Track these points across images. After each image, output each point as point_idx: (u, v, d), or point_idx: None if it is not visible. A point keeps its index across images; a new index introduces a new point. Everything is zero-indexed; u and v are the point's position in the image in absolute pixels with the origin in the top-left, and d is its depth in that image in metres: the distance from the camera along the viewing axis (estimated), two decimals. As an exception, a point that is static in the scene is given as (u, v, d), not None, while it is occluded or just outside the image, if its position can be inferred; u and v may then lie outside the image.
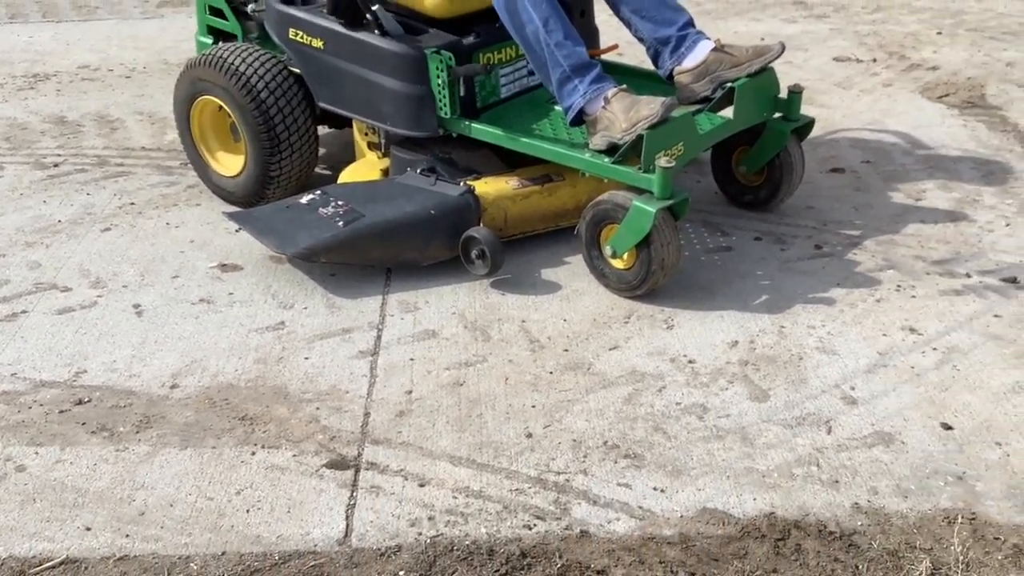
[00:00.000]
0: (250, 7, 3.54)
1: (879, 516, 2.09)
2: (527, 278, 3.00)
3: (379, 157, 3.34)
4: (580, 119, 2.93)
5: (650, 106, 2.77)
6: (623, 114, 2.81)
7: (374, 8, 3.07)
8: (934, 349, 2.62)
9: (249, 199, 3.36)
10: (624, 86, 2.90)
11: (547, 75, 2.95)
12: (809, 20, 5.35)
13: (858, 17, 5.38)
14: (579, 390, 2.51)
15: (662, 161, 2.71)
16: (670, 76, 3.15)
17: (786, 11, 5.53)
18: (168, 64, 4.88)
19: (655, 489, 2.18)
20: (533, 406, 2.45)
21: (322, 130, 3.57)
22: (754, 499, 2.14)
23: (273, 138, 3.23)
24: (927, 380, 2.50)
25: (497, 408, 2.45)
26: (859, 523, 2.07)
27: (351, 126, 3.49)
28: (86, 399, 2.50)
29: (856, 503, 2.12)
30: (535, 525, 2.09)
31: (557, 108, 3.19)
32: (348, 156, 3.54)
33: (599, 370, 2.58)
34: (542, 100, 3.28)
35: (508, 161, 3.22)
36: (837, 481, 2.19)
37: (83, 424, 2.40)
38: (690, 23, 3.14)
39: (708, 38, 3.11)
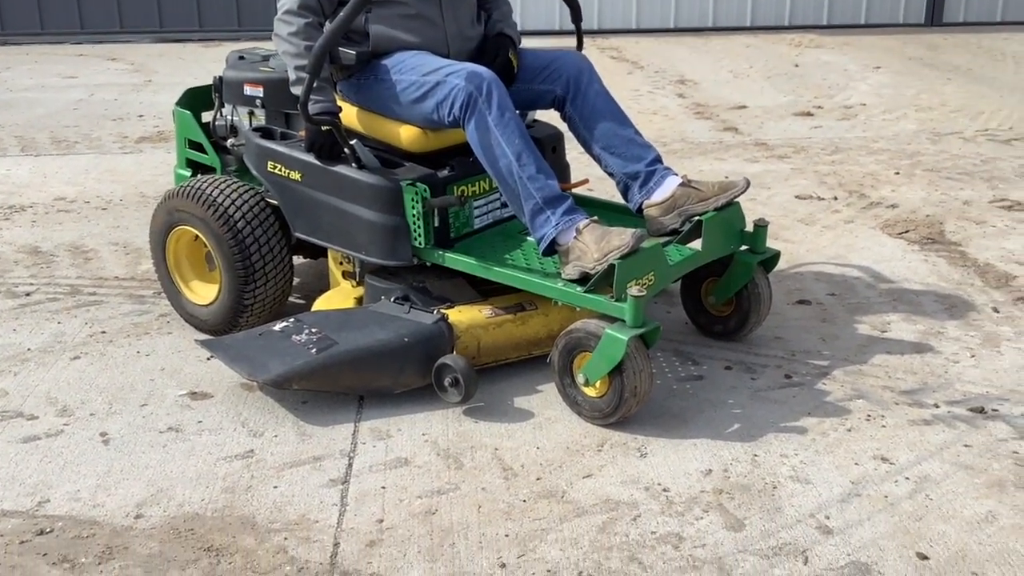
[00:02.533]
0: (230, 141, 3.63)
1: (859, 647, 2.05)
2: (500, 406, 3.00)
3: (353, 286, 3.37)
4: (552, 249, 2.99)
5: (621, 237, 2.84)
6: (595, 244, 2.87)
7: (352, 143, 3.15)
8: (906, 478, 2.63)
9: (222, 327, 3.36)
10: (595, 218, 2.97)
11: (520, 207, 3.02)
12: (771, 160, 5.54)
13: (818, 158, 5.58)
14: (553, 519, 2.47)
15: (633, 290, 2.75)
16: (639, 210, 3.24)
17: (748, 152, 5.73)
18: (145, 197, 4.94)
19: (631, 620, 2.13)
20: (506, 535, 2.41)
21: (297, 260, 3.61)
22: (732, 630, 2.10)
23: (248, 267, 3.25)
24: (901, 509, 2.50)
25: (470, 537, 2.41)
26: (839, 655, 2.03)
27: (326, 256, 3.53)
28: (48, 529, 2.43)
29: (836, 634, 2.09)
30: (509, 659, 2.03)
31: (529, 239, 3.26)
32: (322, 286, 3.57)
33: (573, 498, 2.56)
34: (514, 231, 3.35)
35: (481, 291, 3.26)
36: (816, 611, 2.15)
37: (44, 555, 2.33)
38: (658, 159, 3.25)
39: (676, 173, 3.22)
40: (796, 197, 4.89)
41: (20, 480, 2.63)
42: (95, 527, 2.44)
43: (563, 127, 3.46)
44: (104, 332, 3.49)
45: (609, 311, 2.83)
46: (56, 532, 2.42)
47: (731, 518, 2.47)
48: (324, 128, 3.12)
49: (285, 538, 2.40)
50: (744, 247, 3.26)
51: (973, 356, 3.28)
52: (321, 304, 3.36)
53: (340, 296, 3.37)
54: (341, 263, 3.41)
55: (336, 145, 3.14)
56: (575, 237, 2.93)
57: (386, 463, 2.72)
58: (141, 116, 6.63)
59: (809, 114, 6.59)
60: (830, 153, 5.67)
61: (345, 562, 2.31)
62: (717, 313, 3.39)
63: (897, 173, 5.27)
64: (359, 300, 3.31)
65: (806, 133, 6.12)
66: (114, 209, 4.80)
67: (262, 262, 3.28)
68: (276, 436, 2.84)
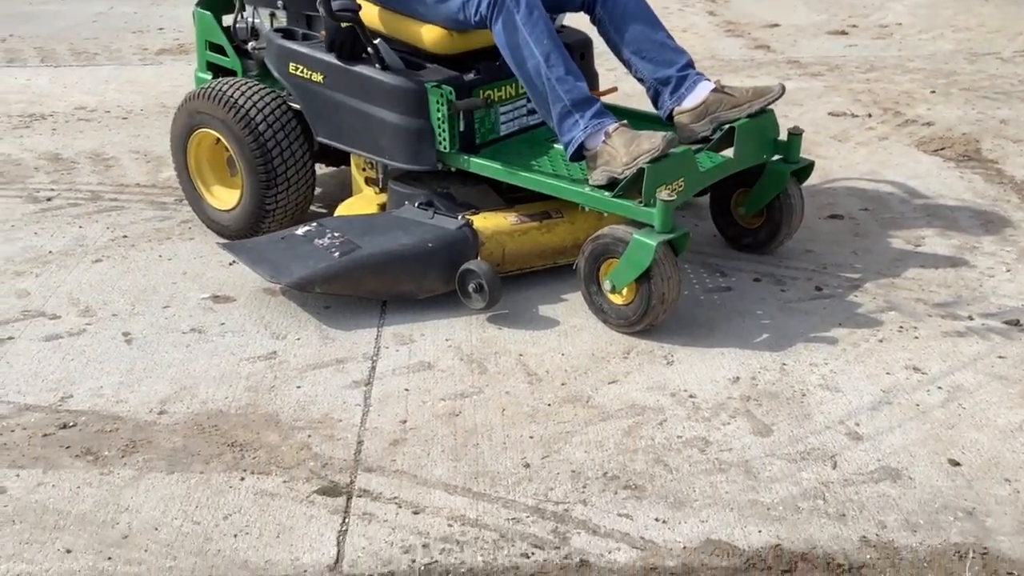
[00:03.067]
0: (250, 44, 3.55)
1: (888, 550, 2.02)
2: (524, 313, 2.96)
3: (376, 192, 3.32)
4: (580, 154, 2.92)
5: (651, 140, 2.76)
6: (624, 148, 2.80)
7: (376, 42, 3.07)
8: (939, 388, 2.58)
9: (243, 233, 3.32)
10: (625, 121, 2.89)
11: (547, 110, 2.94)
12: (804, 78, 5.40)
13: (852, 76, 5.44)
14: (578, 422, 2.45)
15: (663, 194, 2.69)
16: (670, 117, 3.16)
17: (781, 69, 5.58)
18: (165, 107, 4.88)
19: (657, 520, 2.11)
20: (531, 437, 2.39)
21: (319, 169, 3.56)
22: (759, 531, 2.08)
23: (270, 171, 3.20)
24: (933, 418, 2.46)
25: (494, 438, 2.38)
26: (868, 556, 2.01)
27: (348, 164, 3.47)
28: (71, 423, 2.42)
29: (864, 536, 2.06)
30: (533, 554, 2.01)
31: (556, 146, 3.18)
32: (344, 195, 3.51)
33: (598, 403, 2.53)
34: (541, 139, 3.27)
35: (506, 199, 3.20)
36: (844, 515, 2.12)
37: (67, 448, 2.33)
38: (690, 64, 3.15)
39: (708, 79, 3.12)
40: (829, 114, 4.77)
41: (43, 376, 2.62)
42: (118, 422, 2.43)
43: (592, 34, 3.36)
44: (126, 236, 3.46)
45: (638, 216, 2.77)
46: (79, 426, 2.42)
47: (758, 424, 2.43)
48: (345, 25, 3.04)
49: (309, 436, 2.38)
50: (777, 156, 3.17)
51: (1008, 271, 3.20)
52: (344, 210, 3.31)
53: (363, 202, 3.32)
54: (364, 169, 3.35)
55: (358, 42, 3.06)
56: (604, 141, 2.85)
57: (409, 367, 2.69)
58: (161, 29, 6.53)
59: (843, 33, 6.41)
60: (864, 71, 5.52)
61: (369, 459, 2.30)
62: (747, 225, 3.31)
63: (933, 92, 5.13)
64: (382, 207, 3.26)
65: (840, 52, 5.95)
66: (134, 119, 4.74)
67: (284, 167, 3.23)
68: (299, 339, 2.82)
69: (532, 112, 3.27)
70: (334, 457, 2.31)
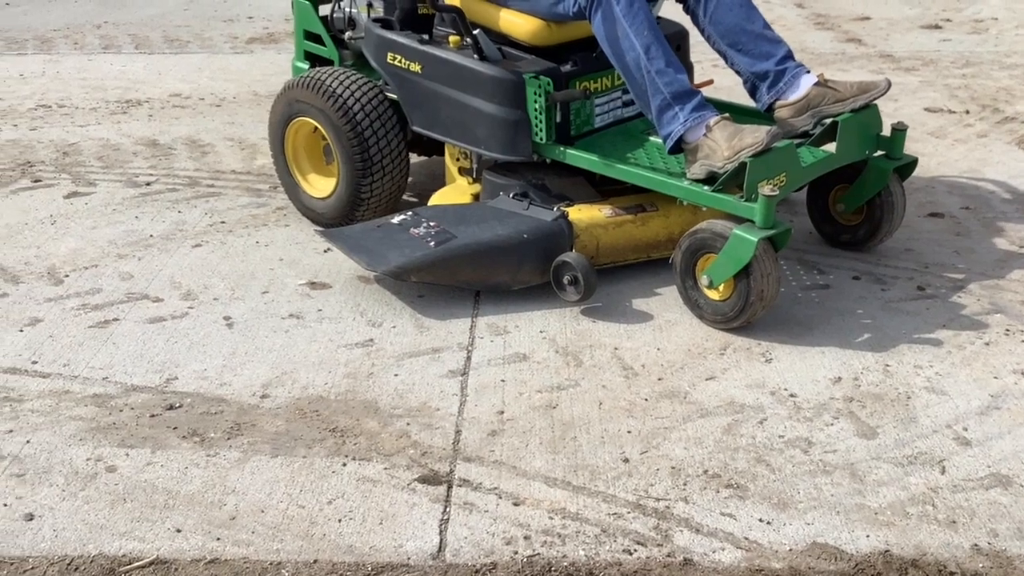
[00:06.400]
0: (347, 34, 3.58)
1: (1001, 559, 1.97)
2: (618, 307, 2.94)
3: (470, 183, 3.32)
4: (679, 147, 2.89)
5: (754, 135, 2.72)
6: (726, 142, 2.76)
7: (475, 32, 3.07)
8: (1049, 394, 2.50)
9: (338, 221, 3.36)
10: (727, 115, 2.85)
11: (647, 103, 2.92)
12: (898, 72, 5.28)
13: (947, 71, 5.30)
14: (676, 418, 2.43)
15: (765, 189, 2.65)
16: (769, 109, 3.10)
17: (873, 63, 5.47)
18: (257, 95, 4.95)
19: (761, 521, 2.08)
20: (629, 431, 2.37)
21: (412, 158, 3.58)
22: (867, 536, 2.04)
23: (367, 160, 3.23)
24: (1044, 424, 2.39)
25: (591, 432, 2.38)
26: (980, 565, 1.96)
27: (440, 153, 3.48)
28: (177, 405, 2.48)
29: (976, 544, 2.01)
30: (636, 550, 2.00)
31: (652, 139, 3.16)
32: (435, 184, 3.53)
33: (696, 399, 2.50)
34: (636, 131, 3.24)
35: (599, 191, 3.18)
36: (954, 521, 2.07)
37: (174, 429, 2.38)
38: (789, 56, 3.09)
39: (809, 71, 3.07)
40: (925, 110, 4.65)
41: (148, 358, 2.68)
42: (223, 404, 2.48)
43: (688, 25, 3.32)
44: (224, 222, 3.52)
45: (738, 211, 2.73)
46: (185, 408, 2.47)
47: (863, 426, 2.39)
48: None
49: (407, 423, 2.40)
50: (880, 152, 3.11)
51: (1121, 275, 3.09)
52: (437, 199, 3.32)
53: (456, 192, 3.33)
54: (458, 159, 3.36)
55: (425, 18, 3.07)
56: (704, 134, 2.82)
57: (505, 357, 2.69)
58: (251, 18, 6.63)
59: (937, 27, 6.25)
60: (960, 67, 5.38)
61: (468, 449, 2.31)
62: (846, 222, 3.25)
63: (1033, 88, 4.97)
64: (475, 197, 3.27)
65: (934, 46, 5.81)
66: (227, 106, 4.82)
67: (380, 155, 3.25)
68: (395, 327, 2.84)
69: (627, 104, 3.25)
70: (433, 446, 2.32)
